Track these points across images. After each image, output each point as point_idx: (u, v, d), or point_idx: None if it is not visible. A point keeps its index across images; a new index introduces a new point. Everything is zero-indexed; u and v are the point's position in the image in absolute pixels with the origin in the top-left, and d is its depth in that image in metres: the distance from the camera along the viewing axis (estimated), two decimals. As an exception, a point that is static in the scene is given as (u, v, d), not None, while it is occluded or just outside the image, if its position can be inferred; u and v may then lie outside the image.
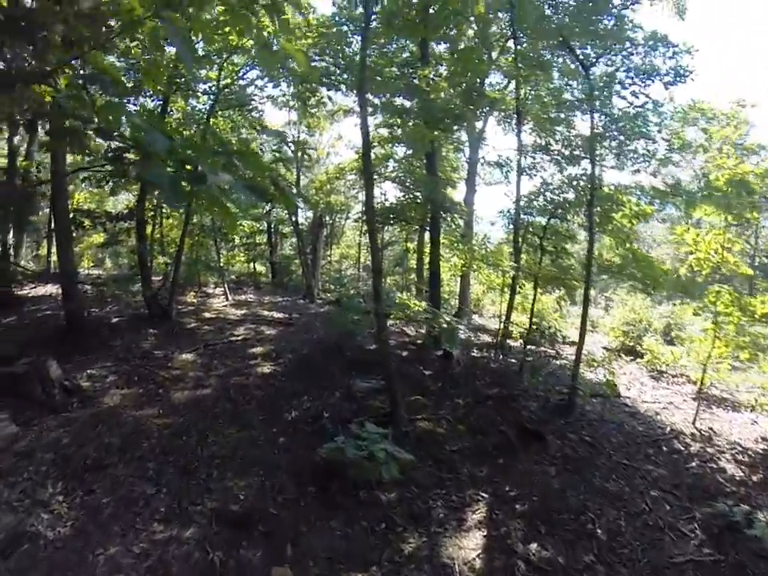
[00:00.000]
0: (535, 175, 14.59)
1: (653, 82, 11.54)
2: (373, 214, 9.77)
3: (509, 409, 10.61)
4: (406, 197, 17.04)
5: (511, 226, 15.26)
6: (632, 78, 11.53)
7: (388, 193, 25.46)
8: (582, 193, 11.96)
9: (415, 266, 27.40)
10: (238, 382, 10.88)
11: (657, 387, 14.14)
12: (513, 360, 13.93)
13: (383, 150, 22.47)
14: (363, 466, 7.22)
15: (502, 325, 15.36)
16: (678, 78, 11.39)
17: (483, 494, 7.78)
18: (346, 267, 31.79)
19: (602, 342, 18.97)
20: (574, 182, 12.25)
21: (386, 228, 20.14)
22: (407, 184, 18.45)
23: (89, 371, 10.64)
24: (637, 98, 11.56)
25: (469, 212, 19.15)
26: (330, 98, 18.71)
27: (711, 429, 10.81)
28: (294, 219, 23.51)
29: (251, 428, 9.12)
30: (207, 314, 16.31)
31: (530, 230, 13.78)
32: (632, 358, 16.67)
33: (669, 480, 8.40)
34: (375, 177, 22.73)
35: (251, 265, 28.57)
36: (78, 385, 9.91)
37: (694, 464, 9.07)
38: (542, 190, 13.15)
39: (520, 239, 13.95)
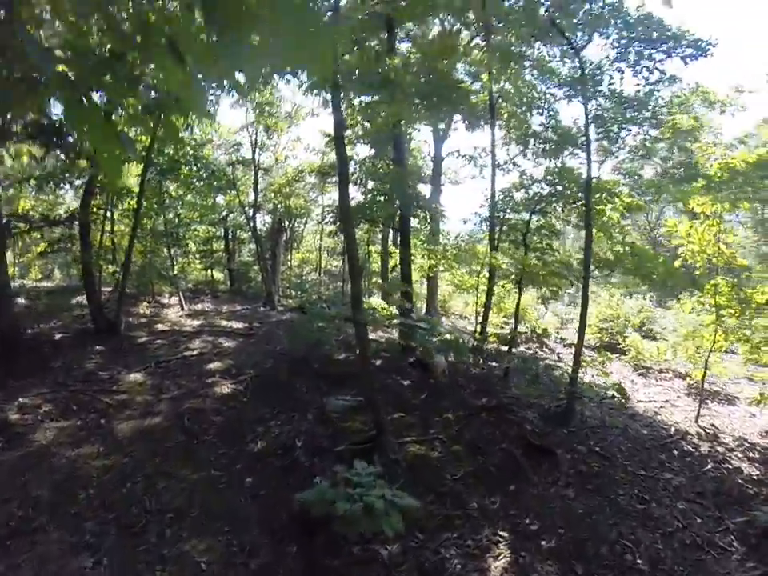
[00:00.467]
0: (510, 170, 13.12)
1: (672, 55, 10.16)
2: (349, 214, 8.32)
3: (506, 421, 9.22)
4: (372, 195, 15.17)
5: (485, 225, 13.87)
6: (650, 51, 10.07)
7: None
8: (571, 184, 10.69)
9: (379, 269, 26.01)
10: (193, 405, 9.16)
11: (647, 384, 13.25)
12: (494, 364, 12.55)
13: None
14: (357, 521, 5.46)
15: (478, 326, 13.86)
16: (698, 52, 10.06)
17: (502, 533, 6.29)
18: (307, 272, 30.04)
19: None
20: (562, 174, 10.85)
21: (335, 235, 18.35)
22: (370, 184, 16.88)
23: (21, 400, 8.82)
24: (651, 73, 10.12)
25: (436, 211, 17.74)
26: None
27: (714, 426, 10.07)
28: (251, 224, 21.64)
29: (210, 466, 7.40)
30: (160, 326, 14.51)
31: (506, 226, 12.80)
32: (615, 355, 15.30)
33: (690, 488, 7.48)
34: (335, 180, 21.40)
35: (208, 272, 26.71)
36: (5, 418, 8.19)
37: (709, 466, 8.19)
38: (525, 182, 11.76)
39: (496, 237, 12.60)
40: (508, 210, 12.38)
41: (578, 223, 11.52)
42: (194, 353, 12.00)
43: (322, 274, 28.86)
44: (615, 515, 6.64)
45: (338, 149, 7.84)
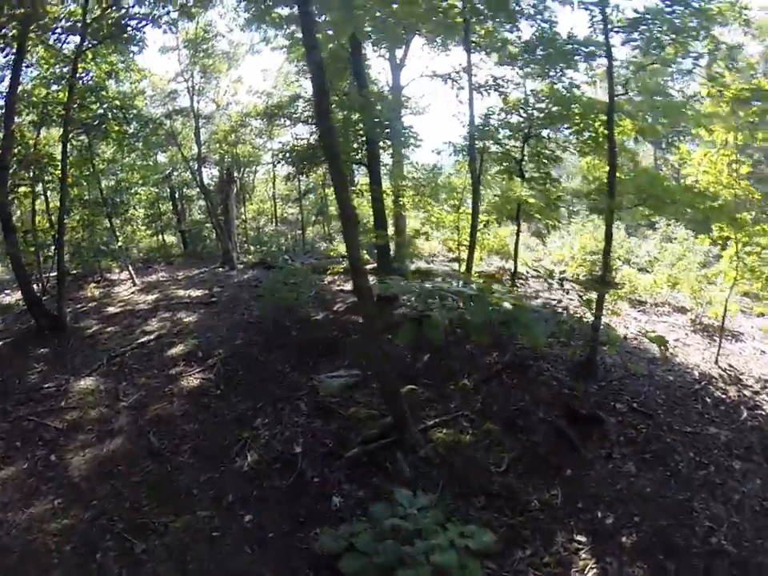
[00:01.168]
0: (489, 93, 11.14)
1: None
2: (335, 145, 6.08)
3: (533, 382, 7.77)
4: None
5: (462, 155, 12.01)
6: None
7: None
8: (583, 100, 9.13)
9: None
10: (158, 412, 7.23)
11: (650, 321, 11.70)
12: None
13: (289, 90, 18.71)
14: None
15: (463, 267, 12.24)
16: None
17: (578, 538, 5.05)
18: (263, 224, 27.53)
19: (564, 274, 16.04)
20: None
21: (302, 175, 15.76)
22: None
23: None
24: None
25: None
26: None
27: (732, 366, 9.09)
28: (198, 179, 19.10)
29: (194, 504, 5.53)
30: (111, 309, 12.32)
31: (498, 153, 11.03)
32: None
33: (738, 443, 6.58)
34: (284, 121, 18.96)
35: (159, 238, 24.07)
36: None
37: (744, 415, 7.29)
38: (523, 104, 10.01)
39: (478, 167, 10.82)
40: (496, 136, 10.45)
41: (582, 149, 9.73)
42: (152, 337, 9.95)
43: (278, 224, 26.52)
44: (682, 488, 5.71)
45: (315, 73, 5.70)
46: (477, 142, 10.75)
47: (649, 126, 8.87)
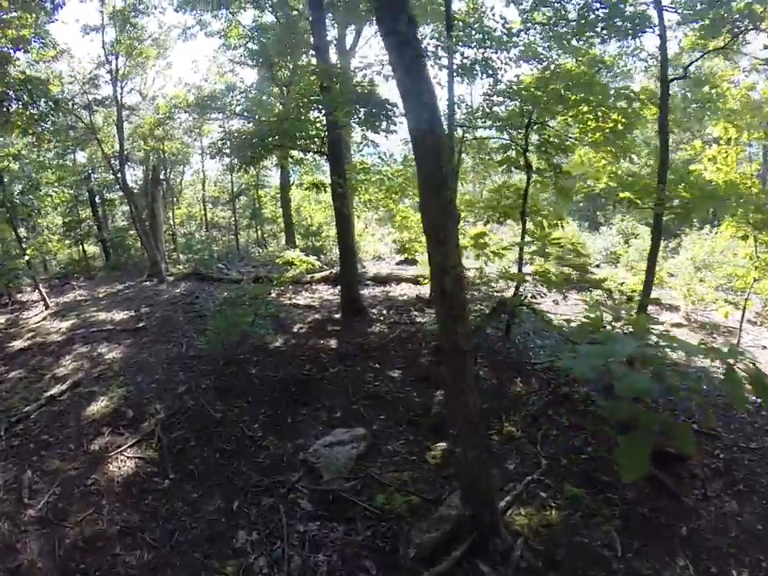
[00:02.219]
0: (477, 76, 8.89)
1: None
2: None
3: (589, 417, 5.87)
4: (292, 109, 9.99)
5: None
6: None
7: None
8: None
9: (272, 216, 21.08)
10: (82, 531, 4.33)
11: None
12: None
13: (222, 81, 15.86)
14: None
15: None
16: None
17: None
18: (193, 230, 24.04)
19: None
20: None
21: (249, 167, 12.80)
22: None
23: None
24: None
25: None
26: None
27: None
28: (120, 178, 15.63)
29: None
30: (17, 343, 9.17)
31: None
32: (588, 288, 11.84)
33: None
34: (217, 115, 15.95)
35: (79, 248, 20.13)
36: None
37: None
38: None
39: (457, 156, 8.70)
40: (495, 122, 8.13)
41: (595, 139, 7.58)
42: (65, 386, 6.95)
43: (209, 229, 23.21)
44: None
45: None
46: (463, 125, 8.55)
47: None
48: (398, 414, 6.02)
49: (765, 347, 8.79)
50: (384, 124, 7.71)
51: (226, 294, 10.46)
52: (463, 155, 10.03)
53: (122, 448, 5.50)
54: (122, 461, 5.32)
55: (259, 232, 23.00)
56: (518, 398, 6.42)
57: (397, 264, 15.47)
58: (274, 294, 11.08)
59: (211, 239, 21.25)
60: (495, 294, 10.55)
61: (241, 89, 13.97)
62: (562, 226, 8.65)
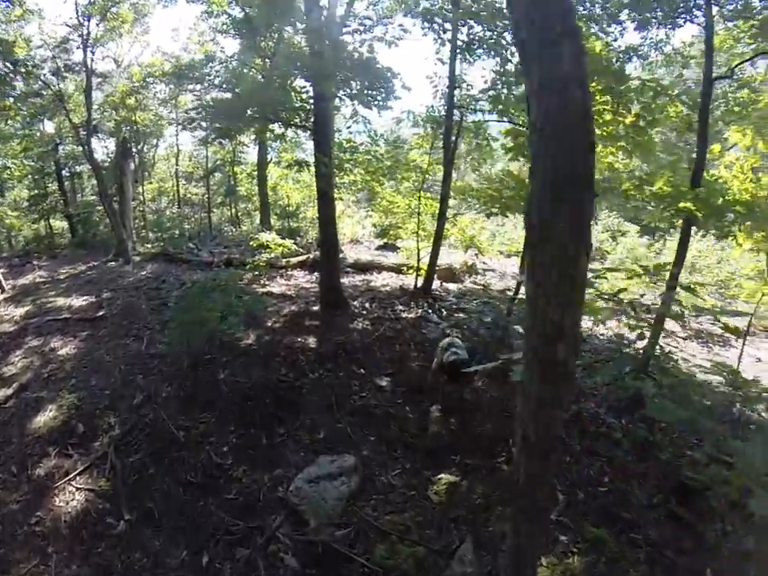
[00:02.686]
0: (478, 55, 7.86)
1: None
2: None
3: (598, 439, 5.09)
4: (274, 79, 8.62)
5: (428, 127, 8.72)
6: None
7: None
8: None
9: (249, 194, 19.72)
10: None
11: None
12: (462, 315, 8.18)
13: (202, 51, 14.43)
14: None
15: (419, 264, 9.45)
16: None
17: None
18: (164, 206, 22.35)
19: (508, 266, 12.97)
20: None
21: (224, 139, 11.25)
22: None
23: None
24: None
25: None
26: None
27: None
28: (87, 150, 14.04)
29: None
30: (-37, 333, 7.86)
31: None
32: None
33: None
34: (194, 86, 14.43)
35: (45, 224, 18.40)
36: None
37: None
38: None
39: (453, 141, 7.66)
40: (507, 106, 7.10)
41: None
42: (11, 390, 5.80)
43: (181, 206, 21.58)
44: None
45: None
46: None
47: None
48: (391, 435, 5.02)
49: (759, 360, 8.25)
50: (380, 98, 6.59)
51: (195, 278, 9.33)
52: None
53: (71, 475, 4.43)
54: (70, 492, 4.25)
55: (233, 210, 21.54)
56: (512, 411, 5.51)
57: (377, 249, 14.40)
58: (246, 280, 9.99)
59: (183, 217, 19.81)
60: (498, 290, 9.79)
61: (221, 59, 12.56)
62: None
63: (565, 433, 5.16)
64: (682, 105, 6.13)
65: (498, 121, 7.61)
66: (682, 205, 5.28)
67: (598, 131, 6.67)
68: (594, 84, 5.91)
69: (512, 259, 12.98)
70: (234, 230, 18.77)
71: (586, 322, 8.24)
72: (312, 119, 7.67)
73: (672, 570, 3.53)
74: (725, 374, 4.86)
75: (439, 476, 4.47)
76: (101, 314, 8.26)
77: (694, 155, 6.02)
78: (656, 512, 4.09)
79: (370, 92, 6.53)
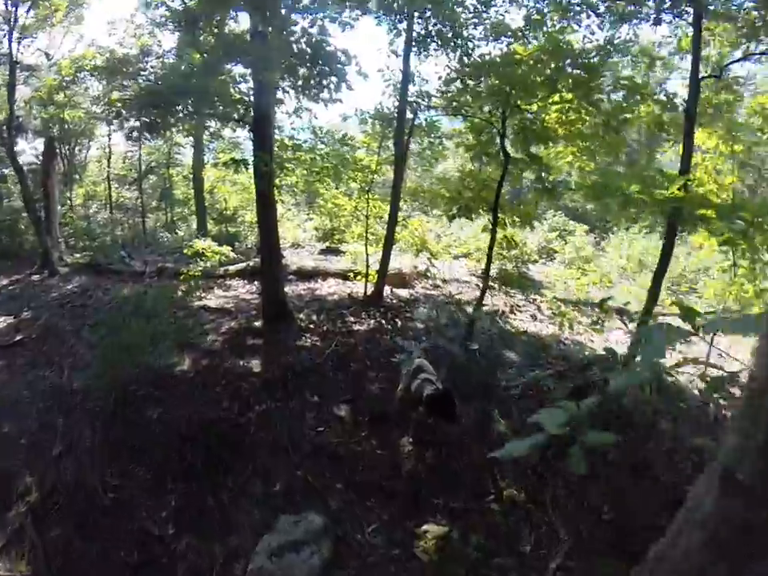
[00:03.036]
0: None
1: None
2: None
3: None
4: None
5: (377, 124, 7.98)
6: None
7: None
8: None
9: (192, 196, 18.19)
10: None
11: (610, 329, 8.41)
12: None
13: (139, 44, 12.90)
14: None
15: (366, 270, 8.59)
16: None
17: None
18: (95, 211, 20.24)
19: (463, 268, 12.26)
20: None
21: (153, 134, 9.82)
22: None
23: None
24: None
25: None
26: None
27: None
28: (8, 151, 12.18)
29: None
30: None
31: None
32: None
33: None
34: (127, 82, 12.87)
35: None
36: None
37: None
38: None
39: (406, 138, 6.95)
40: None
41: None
42: None
43: (113, 211, 19.53)
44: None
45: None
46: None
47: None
48: (360, 479, 4.18)
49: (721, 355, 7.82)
50: (332, 86, 5.69)
51: (125, 292, 8.15)
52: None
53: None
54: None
55: (169, 215, 19.88)
56: (509, 436, 4.81)
57: (319, 253, 13.39)
58: (181, 292, 8.88)
59: (115, 223, 18.06)
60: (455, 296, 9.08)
61: (158, 53, 11.28)
62: (531, 226, 7.09)
63: (552, 453, 4.52)
64: (655, 104, 5.65)
65: (456, 115, 6.92)
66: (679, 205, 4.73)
67: (561, 131, 6.14)
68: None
69: (461, 261, 12.33)
70: (169, 235, 17.21)
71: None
72: (252, 114, 6.68)
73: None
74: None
75: (424, 527, 3.72)
76: (18, 338, 6.98)
77: (659, 156, 5.57)
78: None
79: (319, 80, 5.60)
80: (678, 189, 4.58)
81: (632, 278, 11.27)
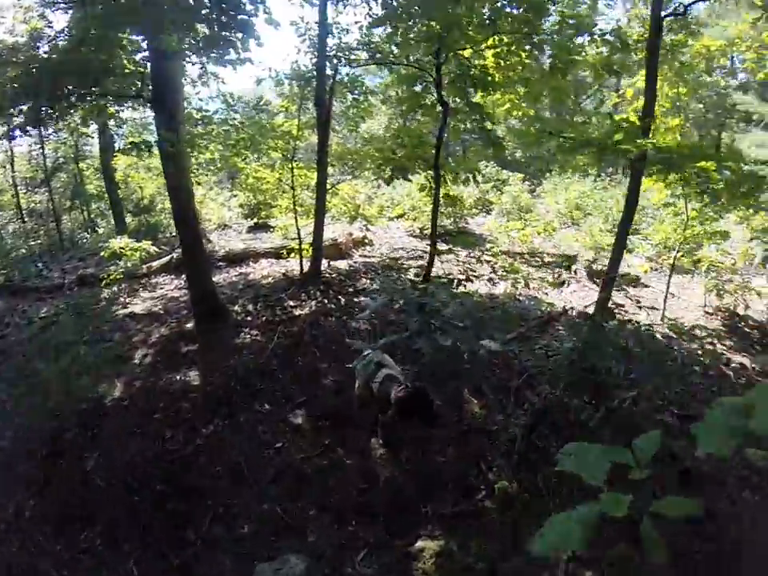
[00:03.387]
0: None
1: None
2: None
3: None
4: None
5: (294, 85, 7.26)
6: None
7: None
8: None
9: (103, 192, 16.59)
10: None
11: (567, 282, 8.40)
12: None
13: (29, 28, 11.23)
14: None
15: (299, 246, 7.90)
16: None
17: None
18: (4, 222, 17.88)
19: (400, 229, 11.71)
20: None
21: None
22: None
23: None
24: None
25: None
26: None
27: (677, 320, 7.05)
28: None
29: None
30: None
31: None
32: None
33: None
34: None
35: None
36: None
37: None
38: None
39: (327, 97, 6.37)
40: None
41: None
42: None
43: (24, 219, 17.36)
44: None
45: None
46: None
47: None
48: (335, 499, 3.68)
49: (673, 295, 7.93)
50: (236, 47, 4.90)
51: (44, 311, 7.14)
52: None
53: None
54: None
55: (85, 213, 18.03)
56: (483, 425, 4.45)
57: (248, 232, 12.47)
58: (104, 296, 7.93)
59: (29, 232, 16.16)
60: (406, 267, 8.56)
61: (50, 36, 9.74)
62: (476, 181, 6.61)
63: (537, 435, 4.22)
64: (603, 45, 5.24)
65: (382, 64, 6.27)
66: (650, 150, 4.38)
67: (499, 76, 5.66)
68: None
69: (397, 222, 11.80)
70: (88, 236, 15.57)
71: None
72: (149, 85, 5.75)
73: None
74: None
75: (418, 544, 3.31)
76: None
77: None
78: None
79: (224, 37, 4.77)
80: (644, 133, 4.22)
81: (576, 223, 11.16)
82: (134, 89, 5.80)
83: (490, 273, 7.82)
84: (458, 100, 5.58)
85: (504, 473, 3.88)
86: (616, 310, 5.50)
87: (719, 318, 7.38)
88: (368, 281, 7.90)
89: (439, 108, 5.60)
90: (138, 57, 5.60)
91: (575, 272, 8.66)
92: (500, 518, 3.52)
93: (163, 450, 4.20)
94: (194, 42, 5.00)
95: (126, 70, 5.62)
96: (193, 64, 5.68)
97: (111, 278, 8.20)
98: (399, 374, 4.05)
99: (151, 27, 4.67)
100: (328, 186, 7.85)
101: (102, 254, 8.81)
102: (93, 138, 15.90)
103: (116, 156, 12.76)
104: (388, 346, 4.11)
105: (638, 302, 7.70)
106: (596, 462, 1.43)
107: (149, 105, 6.03)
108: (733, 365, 5.94)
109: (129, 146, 7.16)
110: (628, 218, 5.01)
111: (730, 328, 7.02)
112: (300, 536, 3.39)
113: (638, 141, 4.22)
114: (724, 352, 6.21)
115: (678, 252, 7.32)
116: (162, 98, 5.75)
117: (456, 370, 4.73)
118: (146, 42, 5.33)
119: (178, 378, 5.25)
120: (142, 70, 5.60)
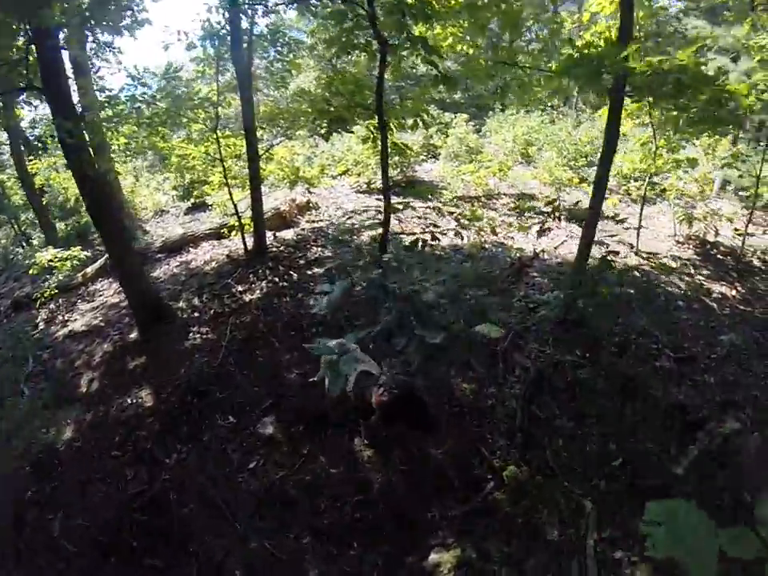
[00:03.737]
0: None
1: None
2: None
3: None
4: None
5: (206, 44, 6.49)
6: None
7: None
8: None
9: (24, 200, 15.10)
10: None
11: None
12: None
13: None
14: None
15: (238, 222, 7.20)
16: None
17: None
18: None
19: (345, 187, 11.01)
20: None
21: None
22: None
23: None
24: None
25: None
26: None
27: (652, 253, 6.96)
28: None
29: None
30: None
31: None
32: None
33: None
34: None
35: None
36: None
37: None
38: None
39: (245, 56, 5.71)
40: None
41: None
42: None
43: None
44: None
45: None
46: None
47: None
48: (329, 520, 3.27)
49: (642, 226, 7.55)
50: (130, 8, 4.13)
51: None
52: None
53: None
54: None
55: (15, 227, 16.45)
56: (477, 402, 4.07)
57: (186, 214, 11.55)
58: (42, 322, 7.15)
59: None
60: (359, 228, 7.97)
61: None
62: (426, 123, 5.99)
63: (539, 401, 3.92)
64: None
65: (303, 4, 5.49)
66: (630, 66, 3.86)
67: (438, 6, 5.01)
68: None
69: (341, 180, 11.11)
70: (22, 251, 14.20)
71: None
72: (38, 70, 4.86)
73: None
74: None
75: (432, 557, 2.99)
76: None
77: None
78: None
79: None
80: (624, 57, 3.72)
81: (529, 160, 10.78)
82: (21, 77, 4.88)
83: (456, 226, 7.32)
84: (396, 35, 4.92)
85: (509, 455, 3.53)
86: (603, 252, 5.12)
87: (691, 246, 7.31)
88: (319, 249, 7.32)
89: (376, 46, 4.94)
90: (20, 42, 4.66)
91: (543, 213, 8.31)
92: (514, 509, 3.18)
93: (128, 496, 3.66)
94: (76, 13, 4.13)
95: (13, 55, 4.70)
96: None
97: (45, 295, 7.40)
98: (375, 369, 3.53)
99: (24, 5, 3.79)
100: (261, 152, 7.14)
101: (30, 271, 7.93)
102: (6, 144, 14.38)
103: (31, 160, 11.56)
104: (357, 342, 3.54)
105: (621, 240, 7.39)
106: (699, 540, 1.04)
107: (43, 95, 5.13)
108: (714, 295, 5.80)
109: (36, 145, 6.22)
110: (608, 156, 4.53)
111: (704, 256, 6.99)
112: (298, 572, 2.96)
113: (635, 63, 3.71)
114: (703, 282, 6.10)
115: (646, 182, 7.05)
116: (54, 82, 4.88)
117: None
118: (26, 22, 4.41)
119: (129, 401, 4.66)
120: (26, 53, 4.67)
